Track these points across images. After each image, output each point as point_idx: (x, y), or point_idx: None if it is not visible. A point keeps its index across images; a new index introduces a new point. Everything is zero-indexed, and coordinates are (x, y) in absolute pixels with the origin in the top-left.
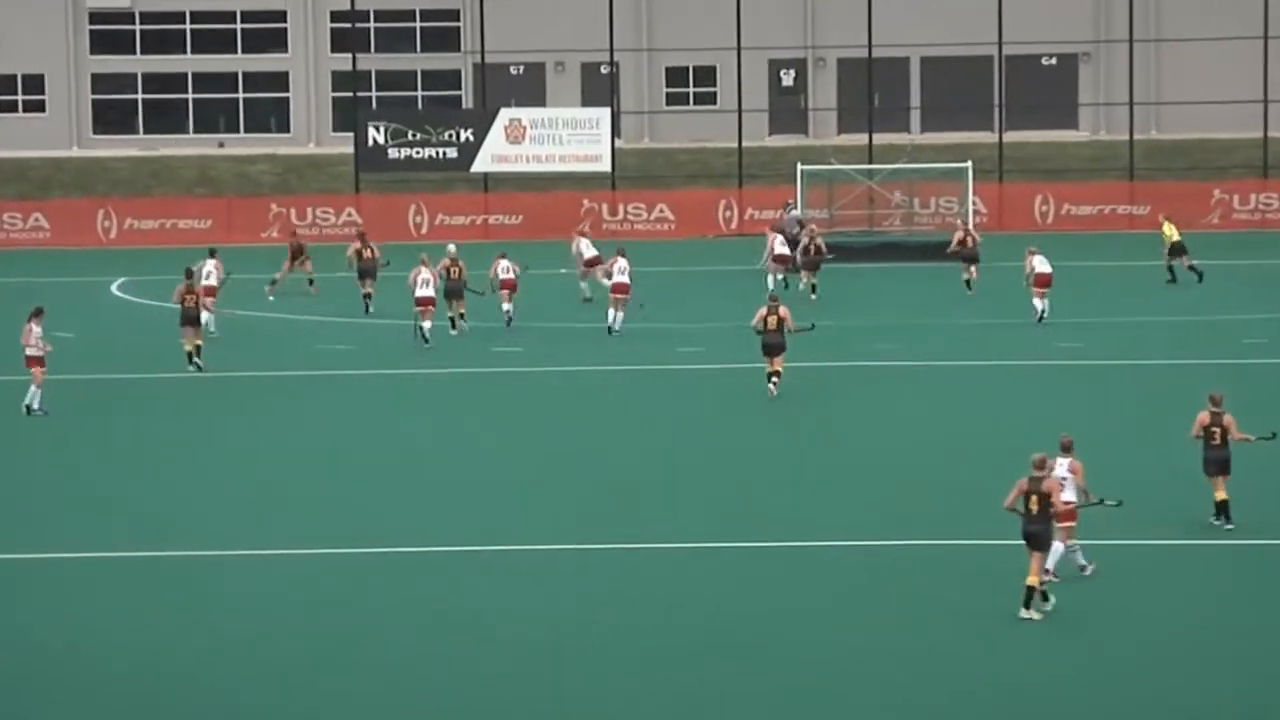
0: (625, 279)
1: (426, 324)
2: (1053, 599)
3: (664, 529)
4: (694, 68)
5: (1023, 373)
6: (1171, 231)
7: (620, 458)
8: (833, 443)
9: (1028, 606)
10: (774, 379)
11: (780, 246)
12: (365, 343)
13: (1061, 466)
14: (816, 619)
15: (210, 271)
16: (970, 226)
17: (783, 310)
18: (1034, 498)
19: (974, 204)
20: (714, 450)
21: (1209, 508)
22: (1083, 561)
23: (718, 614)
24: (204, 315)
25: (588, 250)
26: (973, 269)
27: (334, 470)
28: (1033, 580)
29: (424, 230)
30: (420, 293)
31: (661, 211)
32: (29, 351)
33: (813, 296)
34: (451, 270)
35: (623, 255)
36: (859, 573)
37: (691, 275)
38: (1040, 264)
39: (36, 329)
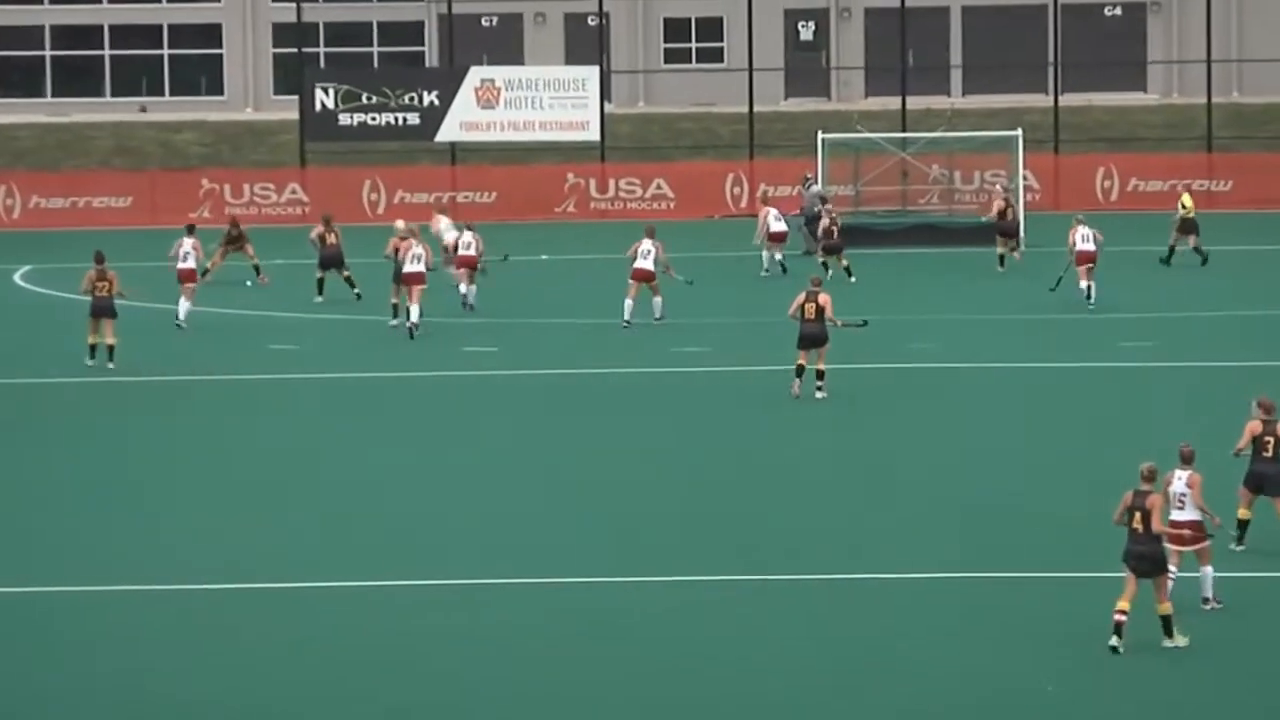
0: (649, 264)
1: (413, 307)
2: (1182, 641)
3: (700, 561)
4: (697, 19)
5: (1083, 376)
6: (1190, 205)
7: (629, 479)
8: (876, 458)
9: (1170, 634)
10: (806, 376)
11: (775, 222)
12: (320, 340)
13: (1180, 480)
14: (909, 660)
15: (188, 253)
16: (1008, 195)
17: (823, 297)
18: (1138, 514)
19: (1025, 178)
20: (742, 469)
21: None
22: (1208, 592)
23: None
24: (183, 305)
25: (449, 233)
26: (1013, 246)
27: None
28: (1165, 608)
29: (381, 209)
30: (410, 268)
31: (659, 188)
32: None
33: (851, 279)
34: (400, 250)
35: (650, 236)
36: (944, 609)
37: (694, 262)
38: (1083, 239)
39: None
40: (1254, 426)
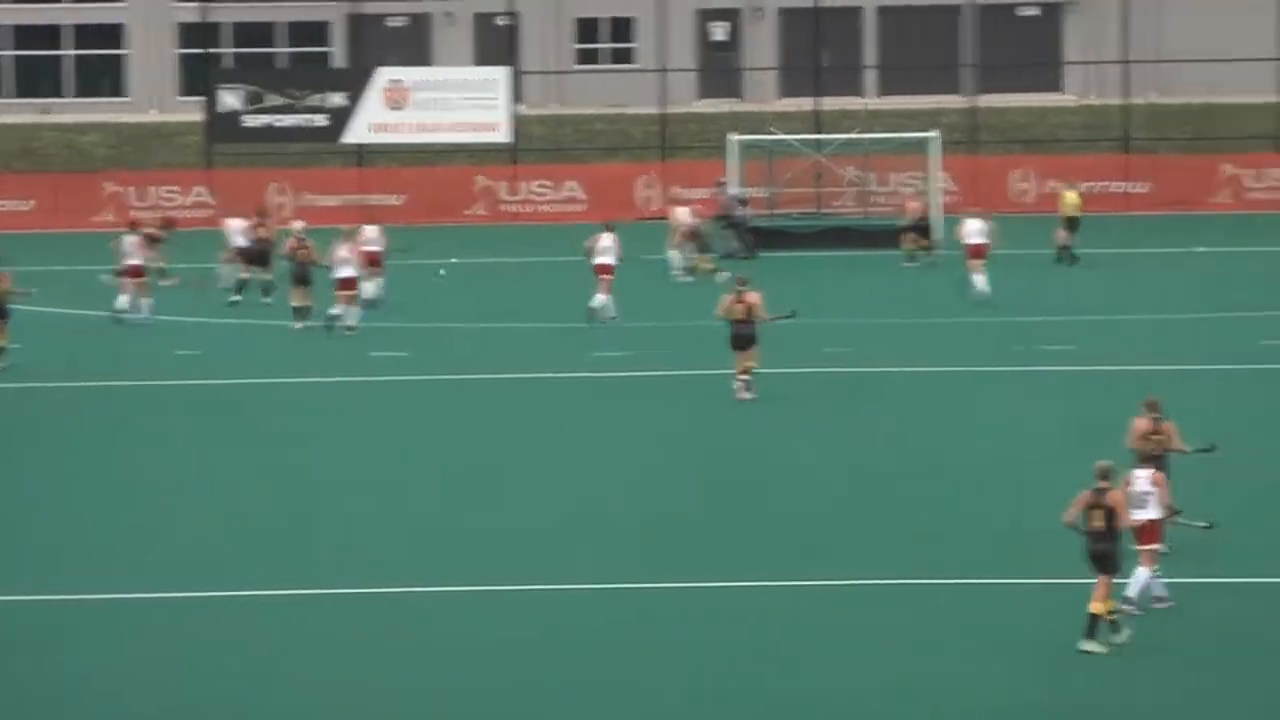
0: (609, 259)
1: (339, 310)
2: (1127, 632)
3: (644, 567)
4: (609, 19)
5: (1005, 380)
6: (1071, 201)
7: (556, 487)
8: (802, 467)
9: (1091, 637)
10: (743, 377)
11: (689, 219)
12: (222, 345)
13: (1143, 479)
14: (856, 662)
15: (129, 250)
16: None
17: (751, 296)
18: (1097, 512)
19: (942, 180)
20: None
21: None
22: (1161, 592)
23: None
24: (121, 298)
25: (238, 237)
26: (925, 246)
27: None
28: (1098, 607)
29: (288, 211)
30: (340, 273)
31: (571, 190)
32: None
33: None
34: (299, 252)
35: (610, 231)
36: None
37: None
38: (972, 233)
39: None
40: (1140, 424)
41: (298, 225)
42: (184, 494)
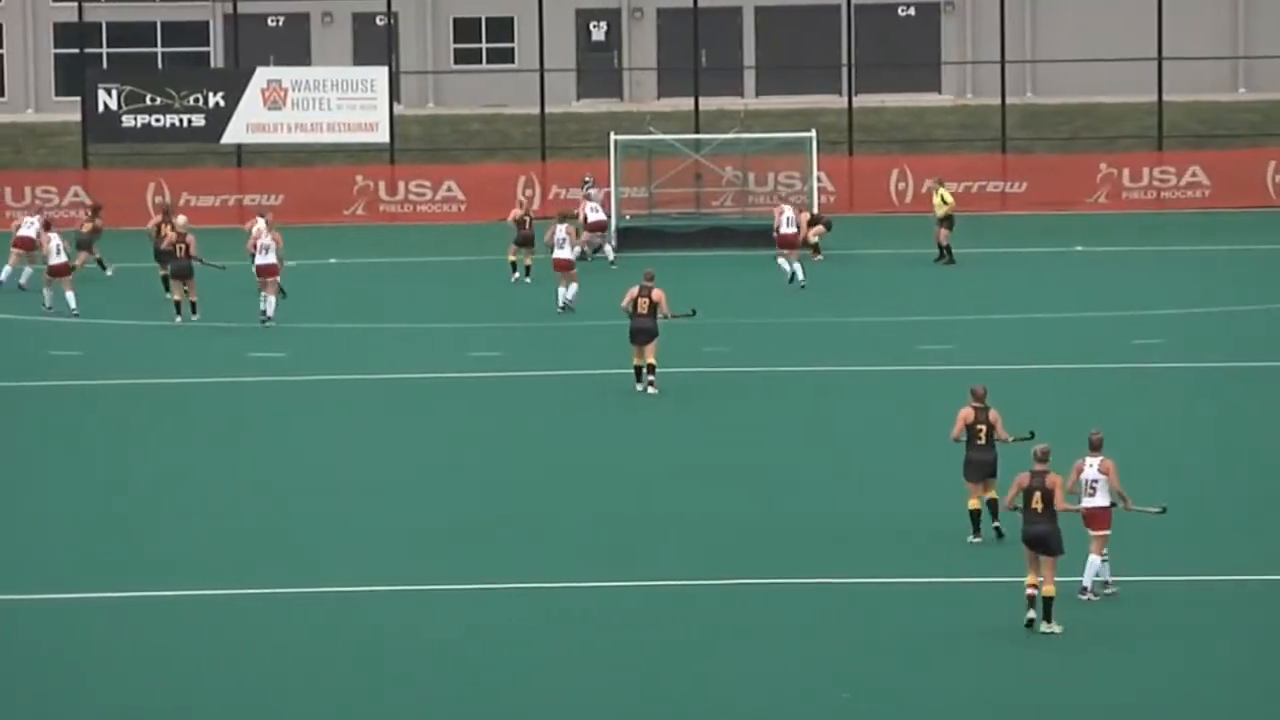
0: (566, 252)
1: (270, 299)
2: (1057, 627)
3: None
4: (487, 19)
5: (884, 380)
6: (945, 200)
7: (452, 487)
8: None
9: (1049, 619)
10: (647, 374)
11: (593, 213)
12: (101, 345)
13: (1091, 467)
14: (780, 659)
15: (58, 246)
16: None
17: (656, 293)
18: (1037, 494)
19: (819, 180)
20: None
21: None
22: (1107, 576)
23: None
24: (53, 294)
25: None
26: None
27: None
28: (1049, 590)
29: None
30: (261, 260)
31: (449, 190)
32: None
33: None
34: (179, 247)
35: (563, 221)
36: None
37: (485, 265)
38: (787, 223)
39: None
40: (966, 414)
41: (181, 220)
42: (57, 498)
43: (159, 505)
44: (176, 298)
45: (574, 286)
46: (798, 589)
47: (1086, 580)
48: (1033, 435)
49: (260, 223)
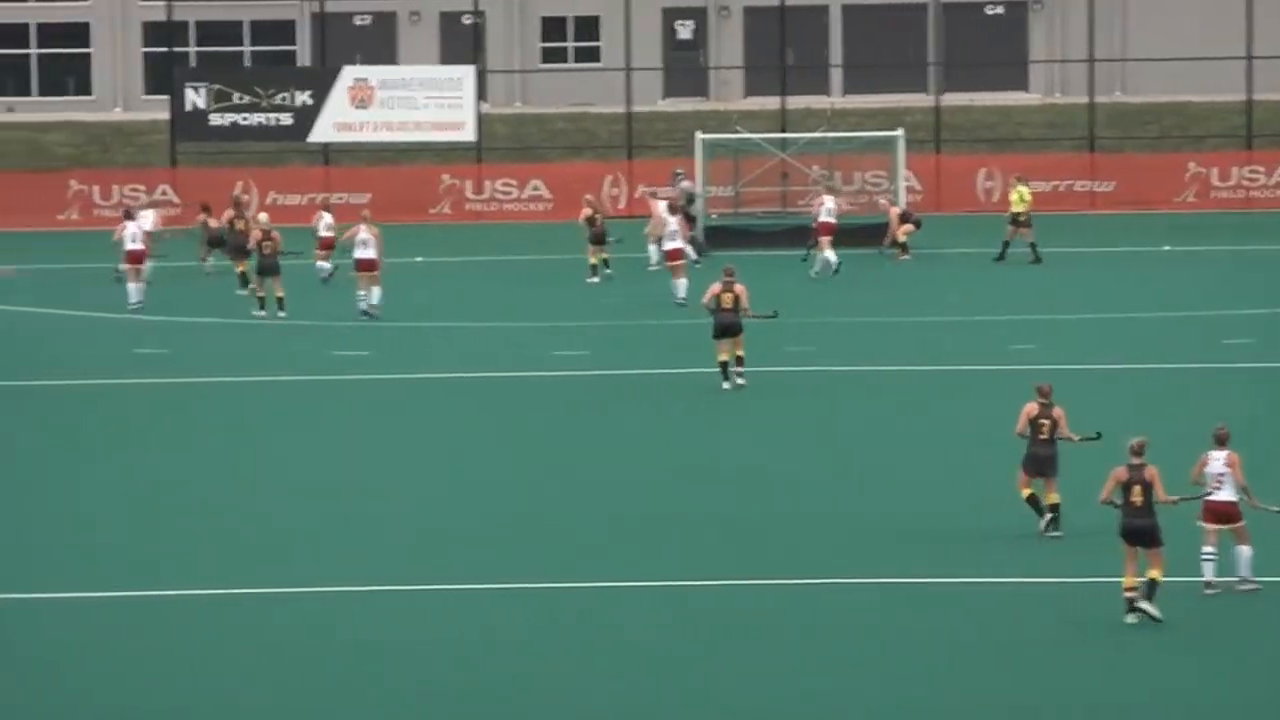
0: (371, 253)
1: (374, 290)
2: (1158, 612)
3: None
4: (574, 18)
5: (973, 379)
6: (1023, 198)
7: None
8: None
9: (1151, 599)
10: (733, 366)
11: (666, 214)
12: (193, 342)
13: (1218, 461)
14: (876, 665)
15: (135, 235)
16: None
17: (739, 287)
18: (1137, 488)
19: (906, 179)
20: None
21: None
22: (1211, 576)
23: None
24: (132, 288)
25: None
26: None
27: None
28: (1156, 573)
29: (252, 210)
30: (360, 254)
31: (535, 189)
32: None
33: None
34: (264, 245)
35: (674, 212)
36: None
37: (571, 264)
38: (827, 212)
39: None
40: (1030, 409)
41: (263, 217)
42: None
43: (241, 500)
44: (261, 293)
45: (683, 281)
46: (917, 588)
47: (1244, 570)
48: (1099, 436)
49: (331, 223)
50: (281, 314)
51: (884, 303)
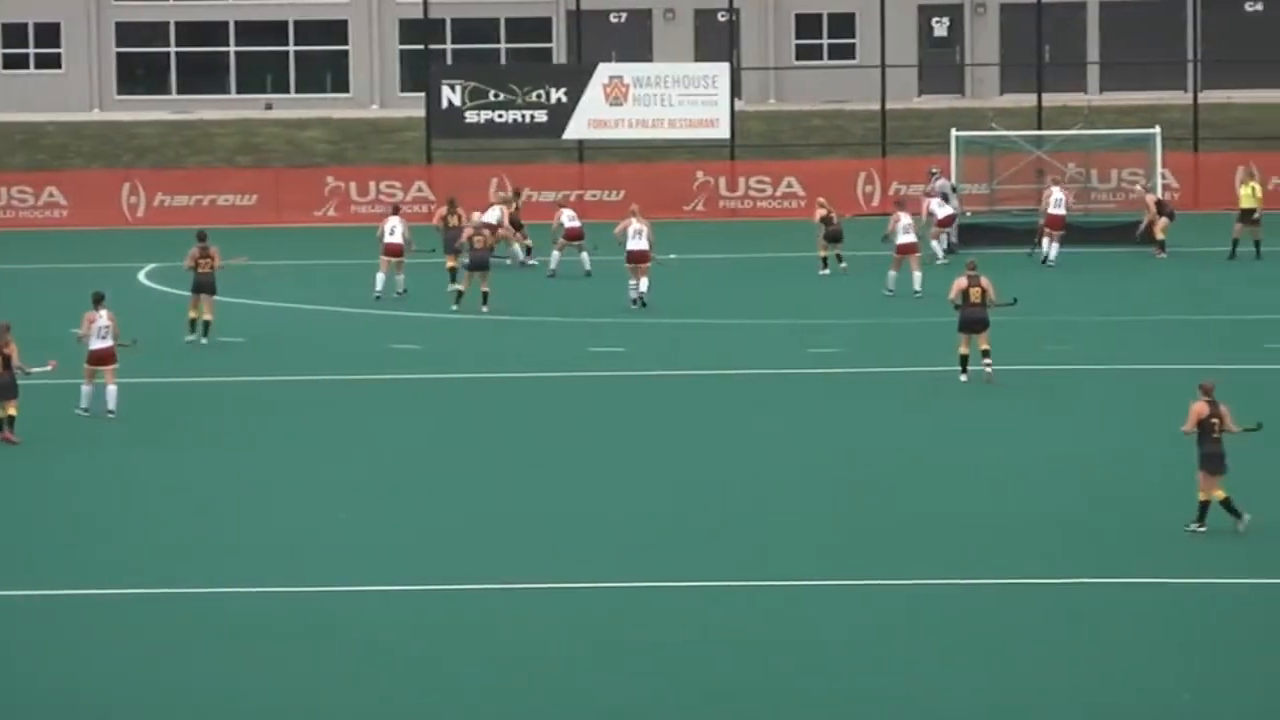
0: (644, 244)
1: (643, 280)
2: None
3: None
4: (829, 15)
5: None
6: (1255, 194)
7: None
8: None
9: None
10: (984, 359)
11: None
12: (441, 339)
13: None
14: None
15: (395, 228)
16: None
17: (985, 280)
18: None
19: (1164, 177)
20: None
21: None
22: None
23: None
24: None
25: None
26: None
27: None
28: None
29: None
30: (632, 245)
31: (789, 186)
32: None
33: (842, 265)
34: (476, 240)
35: (901, 208)
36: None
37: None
38: (1055, 204)
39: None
40: (1200, 409)
41: (476, 216)
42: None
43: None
44: (460, 288)
45: (918, 275)
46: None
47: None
48: (1260, 426)
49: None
50: (484, 309)
51: (1144, 302)
